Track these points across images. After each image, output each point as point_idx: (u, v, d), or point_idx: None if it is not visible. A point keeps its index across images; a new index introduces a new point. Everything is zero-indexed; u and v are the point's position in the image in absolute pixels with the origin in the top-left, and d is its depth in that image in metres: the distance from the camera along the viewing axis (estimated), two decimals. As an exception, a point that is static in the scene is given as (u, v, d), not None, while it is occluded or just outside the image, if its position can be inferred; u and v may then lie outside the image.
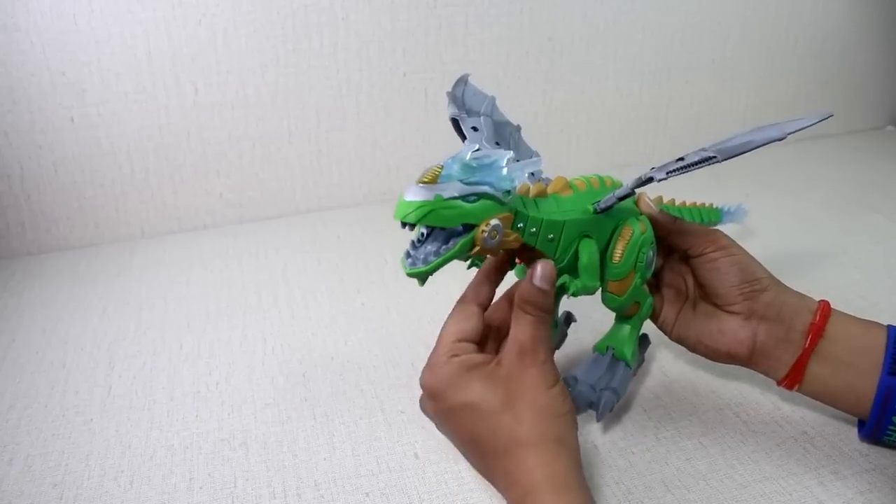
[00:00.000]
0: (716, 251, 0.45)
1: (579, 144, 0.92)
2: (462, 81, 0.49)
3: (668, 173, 0.39)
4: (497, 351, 0.43)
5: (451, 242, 0.35)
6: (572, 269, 0.42)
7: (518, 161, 0.39)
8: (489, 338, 0.43)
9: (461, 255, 0.36)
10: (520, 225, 0.38)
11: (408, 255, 0.36)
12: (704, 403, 0.50)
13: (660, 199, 0.51)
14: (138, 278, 0.70)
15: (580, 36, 0.86)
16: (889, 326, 0.43)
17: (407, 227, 0.34)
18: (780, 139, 0.38)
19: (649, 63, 0.91)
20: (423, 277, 0.36)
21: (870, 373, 0.42)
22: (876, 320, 0.45)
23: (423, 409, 0.42)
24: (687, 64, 0.92)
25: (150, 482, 0.45)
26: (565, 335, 0.51)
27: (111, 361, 0.57)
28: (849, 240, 0.73)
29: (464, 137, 0.46)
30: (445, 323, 0.42)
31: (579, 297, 0.43)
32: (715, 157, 0.38)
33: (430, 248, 0.35)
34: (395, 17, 0.78)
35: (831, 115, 0.39)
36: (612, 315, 0.48)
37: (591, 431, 0.48)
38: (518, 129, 0.50)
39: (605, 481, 0.44)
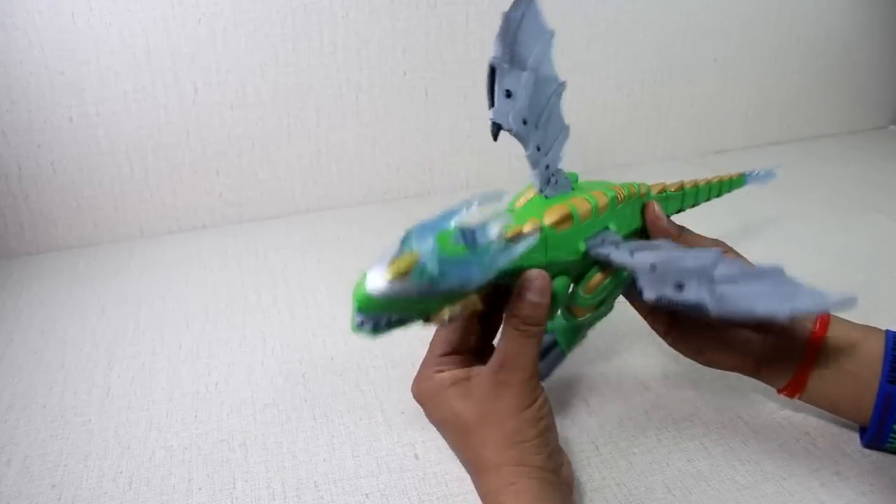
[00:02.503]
0: None
1: (580, 144, 0.91)
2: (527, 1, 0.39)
3: (658, 298, 0.36)
4: None
5: (409, 319, 0.32)
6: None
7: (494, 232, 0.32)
8: (485, 346, 0.43)
9: (411, 325, 0.32)
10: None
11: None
12: (706, 404, 0.50)
13: (680, 183, 0.50)
14: (137, 278, 0.70)
15: (581, 35, 0.86)
16: (888, 332, 0.43)
17: None
18: (784, 320, 0.36)
19: (650, 62, 0.90)
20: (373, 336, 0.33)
21: (870, 381, 0.42)
22: (878, 320, 0.45)
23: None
24: (688, 63, 0.92)
25: (148, 483, 0.45)
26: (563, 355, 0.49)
27: (110, 362, 0.57)
28: (850, 239, 0.72)
29: (492, 101, 0.38)
30: (435, 332, 0.42)
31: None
32: (709, 309, 0.34)
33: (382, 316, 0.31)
34: (395, 16, 0.78)
35: (854, 302, 0.32)
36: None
37: (592, 432, 0.48)
38: (561, 88, 0.43)
39: (605, 482, 0.44)
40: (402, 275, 0.28)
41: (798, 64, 0.98)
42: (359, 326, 0.32)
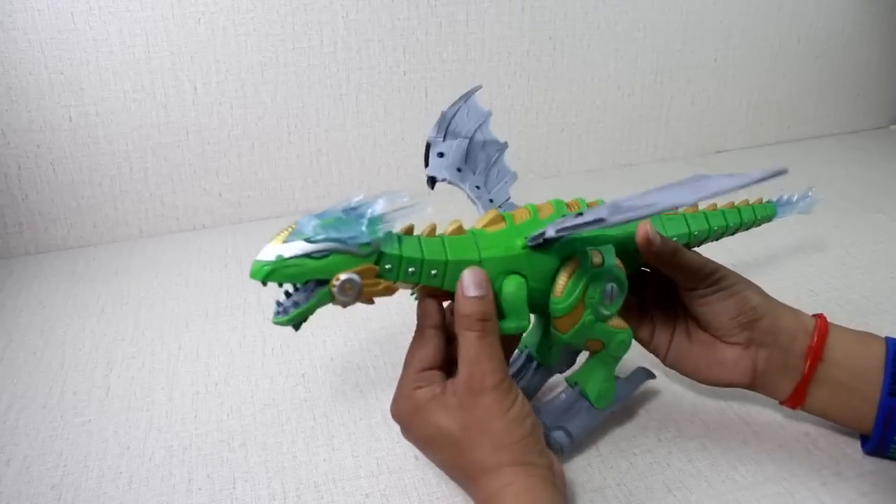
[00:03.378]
0: (707, 287, 0.43)
1: (580, 144, 0.91)
2: (464, 98, 0.51)
3: (557, 231, 0.37)
4: None
5: (312, 295, 0.36)
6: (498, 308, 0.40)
7: (390, 212, 0.37)
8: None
9: (321, 306, 0.37)
10: (387, 266, 0.37)
11: (277, 303, 0.37)
12: (706, 404, 0.50)
13: (714, 205, 0.49)
14: (137, 278, 0.70)
15: (581, 34, 0.86)
16: (887, 340, 0.43)
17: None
18: (688, 204, 0.35)
19: (651, 62, 0.90)
20: (288, 325, 0.37)
21: (870, 392, 0.42)
22: (878, 320, 0.44)
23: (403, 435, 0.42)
24: (689, 63, 0.92)
25: (148, 483, 0.45)
26: (573, 361, 0.49)
27: (109, 362, 0.57)
28: (851, 239, 0.72)
29: (427, 163, 0.48)
30: (408, 350, 0.42)
31: None
32: (604, 219, 0.35)
33: (295, 298, 0.36)
34: (395, 15, 0.78)
35: (782, 172, 0.32)
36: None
37: (592, 432, 0.48)
38: (503, 147, 0.50)
39: (606, 483, 0.43)
40: (281, 240, 0.35)
41: (798, 63, 0.98)
42: (276, 315, 0.37)
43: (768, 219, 0.54)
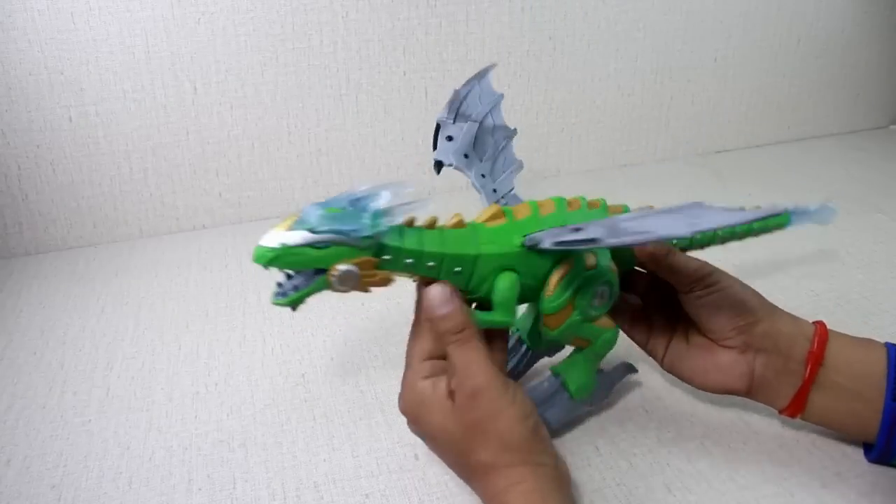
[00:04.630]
0: (703, 289, 0.44)
1: (580, 144, 0.91)
2: (478, 77, 0.50)
3: (554, 244, 0.37)
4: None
5: (311, 281, 0.37)
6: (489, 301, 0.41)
7: (395, 205, 0.38)
8: None
9: (318, 291, 0.38)
10: (387, 257, 0.37)
11: (278, 284, 0.38)
12: (706, 404, 0.50)
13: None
14: (137, 278, 0.70)
15: (581, 35, 0.86)
16: (888, 346, 0.42)
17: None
18: (686, 237, 0.35)
19: (651, 62, 0.90)
20: (290, 307, 0.38)
21: (873, 399, 0.41)
22: (879, 321, 0.44)
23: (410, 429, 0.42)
24: (689, 63, 0.92)
25: (148, 483, 0.45)
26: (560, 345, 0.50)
27: (109, 362, 0.57)
28: (851, 240, 0.72)
29: (435, 146, 0.48)
30: (408, 343, 0.42)
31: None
32: (599, 239, 0.36)
33: (295, 282, 0.38)
34: (395, 15, 0.78)
35: (780, 214, 0.34)
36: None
37: (592, 433, 0.48)
38: (512, 134, 0.50)
39: (606, 483, 0.43)
40: (286, 227, 0.36)
41: (798, 63, 0.98)
42: (275, 296, 0.38)
43: (780, 227, 0.54)
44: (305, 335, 0.60)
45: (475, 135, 0.48)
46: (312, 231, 0.36)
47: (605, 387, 0.48)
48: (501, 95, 0.50)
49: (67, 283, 0.70)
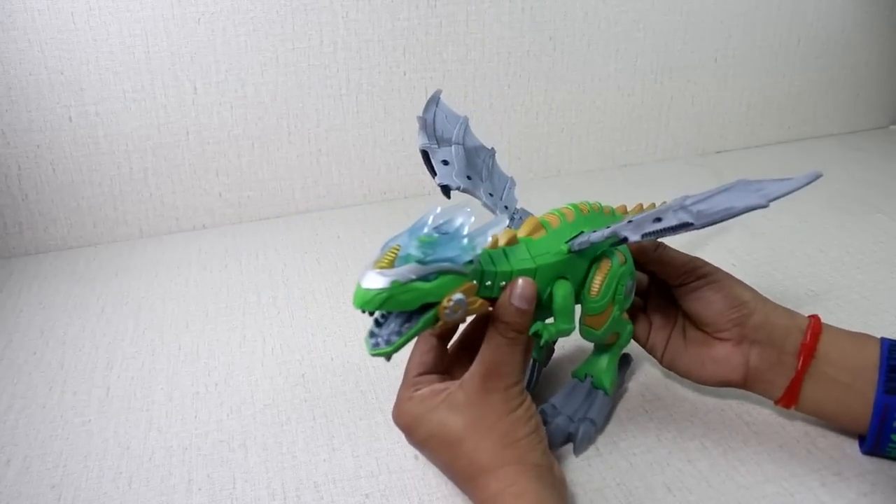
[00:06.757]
0: (696, 280, 0.45)
1: (580, 144, 0.91)
2: (433, 101, 0.49)
3: (643, 235, 0.38)
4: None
5: (412, 320, 0.35)
6: (546, 311, 0.41)
7: (478, 224, 0.37)
8: (462, 361, 0.43)
9: (425, 331, 0.36)
10: (488, 283, 0.37)
11: (371, 334, 0.35)
12: (706, 404, 0.50)
13: (652, 205, 0.50)
14: (137, 278, 0.70)
15: (581, 35, 0.86)
16: (882, 340, 0.43)
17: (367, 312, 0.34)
18: (763, 207, 0.36)
19: (651, 62, 0.90)
20: (388, 356, 0.35)
21: (865, 391, 0.42)
22: (879, 320, 0.44)
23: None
24: (689, 63, 0.92)
25: (148, 483, 0.45)
26: (552, 352, 0.52)
27: (109, 362, 0.57)
28: (851, 240, 0.72)
29: (433, 172, 0.46)
30: (409, 357, 0.43)
31: None
32: (692, 223, 0.36)
33: (392, 327, 0.35)
34: (395, 15, 0.78)
35: (820, 175, 0.37)
36: None
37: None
38: (492, 153, 0.50)
39: (606, 483, 0.43)
40: (389, 264, 0.33)
41: (798, 63, 0.98)
42: (374, 347, 0.35)
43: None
44: (305, 335, 0.60)
45: (465, 157, 0.47)
46: (421, 262, 0.33)
47: (621, 378, 0.50)
48: (466, 118, 0.50)
49: (67, 283, 0.70)
